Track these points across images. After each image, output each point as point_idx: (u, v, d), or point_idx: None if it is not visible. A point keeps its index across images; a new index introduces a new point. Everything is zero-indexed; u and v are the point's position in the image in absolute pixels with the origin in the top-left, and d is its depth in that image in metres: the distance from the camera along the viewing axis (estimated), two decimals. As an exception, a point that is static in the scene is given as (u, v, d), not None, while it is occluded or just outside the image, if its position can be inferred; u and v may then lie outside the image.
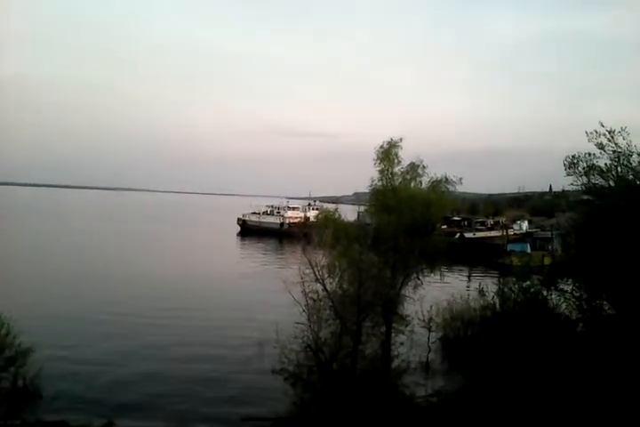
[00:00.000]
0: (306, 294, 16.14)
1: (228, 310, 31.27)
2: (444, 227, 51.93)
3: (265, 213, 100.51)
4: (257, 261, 57.76)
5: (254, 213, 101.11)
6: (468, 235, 70.31)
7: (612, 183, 14.32)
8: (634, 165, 13.67)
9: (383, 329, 17.69)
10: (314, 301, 16.08)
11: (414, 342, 20.65)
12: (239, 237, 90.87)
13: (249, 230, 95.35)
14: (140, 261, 53.54)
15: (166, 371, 21.22)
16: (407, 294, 20.71)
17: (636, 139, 13.73)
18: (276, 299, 19.80)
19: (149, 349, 23.81)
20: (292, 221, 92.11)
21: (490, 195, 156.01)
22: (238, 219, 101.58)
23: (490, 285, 22.69)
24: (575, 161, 14.69)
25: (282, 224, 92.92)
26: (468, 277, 47.88)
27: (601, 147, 13.94)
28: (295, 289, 16.28)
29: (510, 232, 72.58)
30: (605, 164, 14.14)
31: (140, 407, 17.88)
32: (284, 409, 15.94)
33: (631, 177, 13.51)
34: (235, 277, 43.58)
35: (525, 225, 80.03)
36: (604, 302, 13.53)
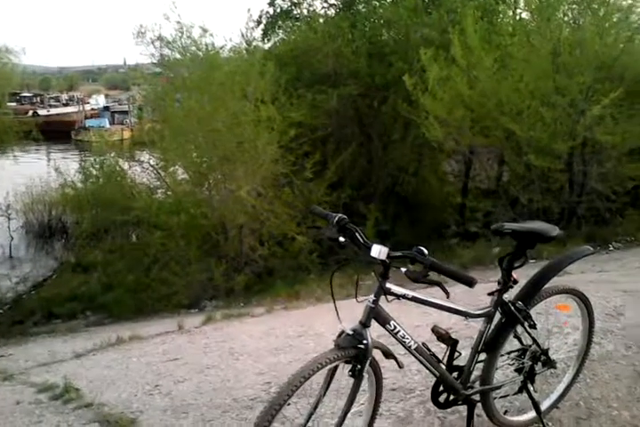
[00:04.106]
0: None
1: None
2: (14, 104, 47.74)
3: None
4: None
5: None
6: (42, 112, 64.98)
7: (178, 55, 14.92)
8: (196, 37, 14.41)
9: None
10: None
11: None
12: None
13: None
14: None
15: None
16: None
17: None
18: None
19: None
20: None
21: (61, 68, 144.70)
22: None
23: (71, 163, 21.94)
24: (143, 31, 14.62)
25: None
26: (47, 157, 45.04)
27: (167, 18, 14.17)
28: None
29: (87, 108, 70.06)
30: (171, 34, 14.53)
31: None
32: None
33: (194, 48, 14.28)
34: None
35: (102, 99, 78.12)
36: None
